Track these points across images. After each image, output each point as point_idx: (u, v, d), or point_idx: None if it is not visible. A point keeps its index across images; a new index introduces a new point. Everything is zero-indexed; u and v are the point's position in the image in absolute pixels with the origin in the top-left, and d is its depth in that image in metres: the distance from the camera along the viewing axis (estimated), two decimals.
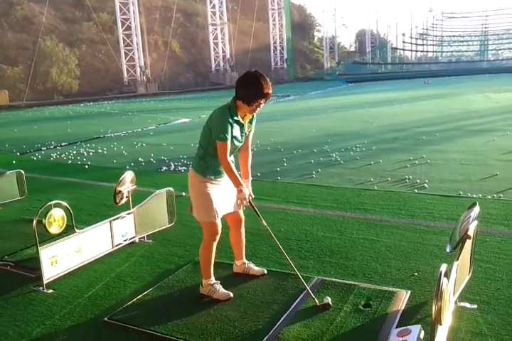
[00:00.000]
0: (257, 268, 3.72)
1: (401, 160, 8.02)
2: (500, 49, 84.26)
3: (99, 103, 27.67)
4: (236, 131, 3.19)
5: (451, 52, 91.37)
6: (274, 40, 49.81)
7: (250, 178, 3.47)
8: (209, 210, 3.28)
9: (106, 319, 3.14)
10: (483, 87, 27.75)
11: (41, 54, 30.76)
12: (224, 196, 3.35)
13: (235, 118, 3.17)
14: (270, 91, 3.15)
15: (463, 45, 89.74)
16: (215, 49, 42.25)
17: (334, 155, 8.73)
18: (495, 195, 5.71)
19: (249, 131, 3.37)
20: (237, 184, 3.21)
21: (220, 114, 3.15)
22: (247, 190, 3.30)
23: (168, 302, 3.33)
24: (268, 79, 3.16)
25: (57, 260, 3.72)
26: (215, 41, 42.21)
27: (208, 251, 3.38)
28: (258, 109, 3.20)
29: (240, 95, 3.15)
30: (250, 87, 3.12)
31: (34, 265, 3.73)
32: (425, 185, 6.32)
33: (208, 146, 3.23)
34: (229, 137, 3.12)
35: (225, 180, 3.34)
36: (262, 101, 3.15)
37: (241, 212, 3.55)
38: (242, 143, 3.33)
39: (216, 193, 3.30)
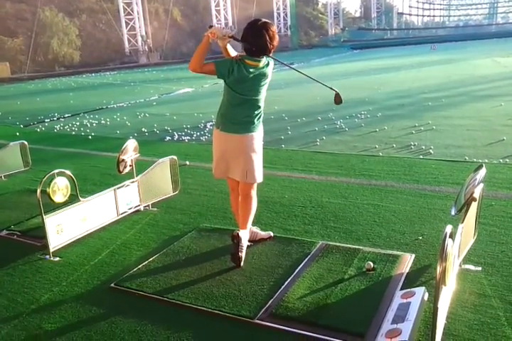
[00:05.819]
0: (263, 232, 3.73)
1: (406, 127, 7.93)
2: (511, 11, 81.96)
3: (101, 74, 27.38)
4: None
5: (459, 16, 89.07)
6: (278, 6, 48.61)
7: None
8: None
9: (112, 285, 3.18)
10: (492, 51, 27.18)
11: (41, 25, 30.26)
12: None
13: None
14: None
15: (471, 9, 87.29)
16: (217, 17, 41.33)
17: (339, 122, 8.64)
18: (501, 160, 5.66)
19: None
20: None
21: None
22: None
23: (174, 268, 3.36)
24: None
25: (63, 228, 3.75)
26: (217, 8, 41.25)
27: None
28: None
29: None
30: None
31: (40, 234, 3.75)
32: (430, 150, 6.27)
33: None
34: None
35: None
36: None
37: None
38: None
39: None
